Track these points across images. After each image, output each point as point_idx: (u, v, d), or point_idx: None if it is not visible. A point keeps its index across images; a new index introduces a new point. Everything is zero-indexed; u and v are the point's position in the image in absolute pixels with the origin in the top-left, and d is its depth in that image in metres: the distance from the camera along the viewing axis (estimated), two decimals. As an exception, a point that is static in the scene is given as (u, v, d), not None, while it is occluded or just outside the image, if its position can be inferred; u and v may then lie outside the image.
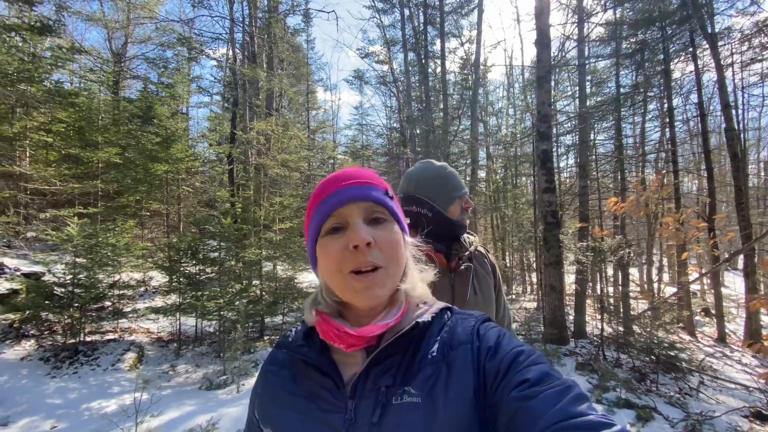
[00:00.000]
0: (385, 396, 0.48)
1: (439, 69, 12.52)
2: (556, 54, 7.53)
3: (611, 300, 8.18)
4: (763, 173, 15.45)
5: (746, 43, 8.59)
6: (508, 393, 0.43)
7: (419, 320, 0.53)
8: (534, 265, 11.69)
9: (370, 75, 17.67)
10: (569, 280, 8.59)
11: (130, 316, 5.78)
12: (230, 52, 11.16)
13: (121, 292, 5.86)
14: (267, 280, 7.07)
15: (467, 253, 1.15)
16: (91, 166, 8.20)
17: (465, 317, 0.56)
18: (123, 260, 6.04)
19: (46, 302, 4.72)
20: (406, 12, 11.84)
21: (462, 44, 12.76)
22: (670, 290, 11.22)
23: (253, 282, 6.94)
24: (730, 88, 9.23)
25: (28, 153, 8.01)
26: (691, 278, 7.28)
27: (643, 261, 13.00)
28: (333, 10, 12.87)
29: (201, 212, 9.72)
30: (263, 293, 7.06)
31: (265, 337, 6.40)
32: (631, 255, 7.00)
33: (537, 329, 7.17)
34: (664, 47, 8.06)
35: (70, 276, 4.88)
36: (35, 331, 5.05)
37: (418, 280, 0.58)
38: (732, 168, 7.35)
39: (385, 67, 14.73)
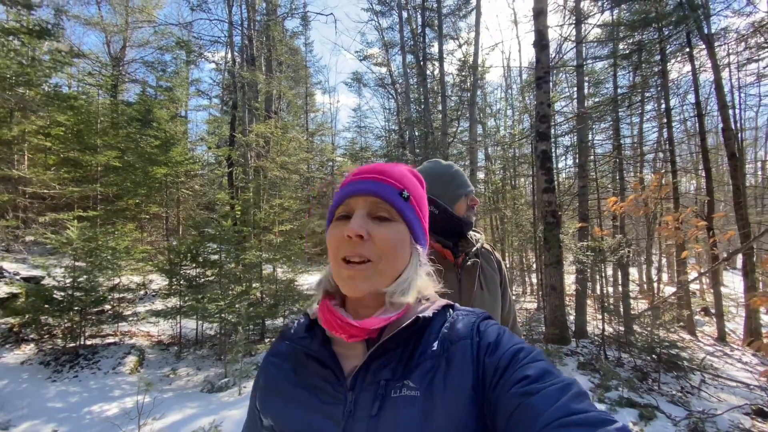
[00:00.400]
0: (384, 389, 0.48)
1: (437, 71, 12.57)
2: (554, 55, 7.57)
3: (611, 300, 8.19)
4: (760, 172, 15.54)
5: (743, 43, 8.66)
6: (508, 389, 0.44)
7: (420, 316, 0.53)
8: (534, 265, 11.71)
9: (368, 77, 17.73)
10: (569, 280, 8.61)
11: (131, 319, 5.76)
12: (229, 55, 11.22)
13: (121, 295, 5.84)
14: (267, 283, 7.06)
15: (474, 249, 1.16)
16: (90, 170, 8.19)
17: (466, 314, 0.56)
18: (123, 264, 6.03)
19: (46, 306, 4.70)
20: (404, 14, 11.89)
21: (460, 46, 12.82)
22: (669, 290, 11.25)
23: (254, 284, 6.93)
24: (727, 88, 9.31)
25: (26, 156, 8.02)
26: (690, 277, 7.31)
27: (643, 261, 13.03)
28: (331, 13, 12.93)
29: (200, 215, 9.70)
30: (263, 296, 7.05)
31: (266, 340, 6.38)
32: (631, 254, 7.02)
33: (538, 329, 7.16)
34: (661, 48, 8.12)
35: (70, 279, 4.87)
36: (35, 335, 5.03)
37: (414, 285, 0.55)
38: (730, 167, 7.39)
39: (384, 70, 14.79)
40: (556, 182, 7.12)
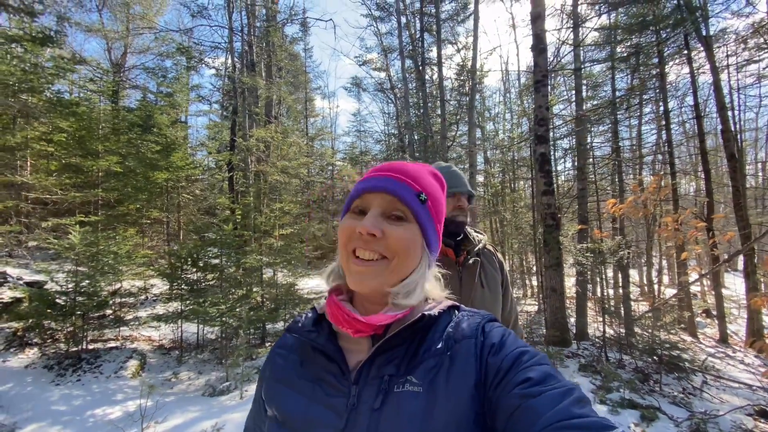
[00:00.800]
0: (387, 384, 0.49)
1: (436, 75, 12.65)
2: (552, 59, 7.62)
3: (612, 301, 8.19)
4: (760, 174, 15.54)
5: (742, 44, 8.70)
6: (509, 390, 0.44)
7: (426, 312, 0.54)
8: (534, 268, 11.70)
9: (367, 82, 17.85)
10: (570, 282, 8.61)
11: (132, 323, 5.77)
12: (229, 61, 11.29)
13: (123, 299, 5.86)
14: (268, 287, 7.07)
15: (476, 249, 1.20)
16: (92, 175, 8.23)
17: (471, 315, 0.57)
18: (124, 268, 6.05)
19: (49, 310, 4.72)
20: (403, 20, 11.99)
21: (458, 51, 12.92)
22: (670, 291, 11.23)
23: (254, 288, 6.94)
24: (726, 90, 9.34)
25: (29, 162, 8.06)
26: (691, 279, 7.31)
27: (643, 263, 13.03)
28: (330, 19, 13.09)
29: (201, 219, 9.73)
30: (264, 300, 7.06)
31: (267, 344, 6.38)
32: (631, 256, 7.02)
33: (539, 332, 7.16)
34: (658, 50, 8.17)
35: (73, 284, 4.89)
36: (39, 340, 5.05)
37: (421, 287, 0.57)
38: (729, 169, 7.41)
39: (383, 74, 14.89)
40: (555, 185, 7.16)
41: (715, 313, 9.53)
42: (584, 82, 9.97)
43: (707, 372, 4.98)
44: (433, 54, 12.26)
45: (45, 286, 5.48)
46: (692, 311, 8.51)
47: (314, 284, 8.73)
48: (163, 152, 7.91)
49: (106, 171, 8.12)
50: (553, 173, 8.18)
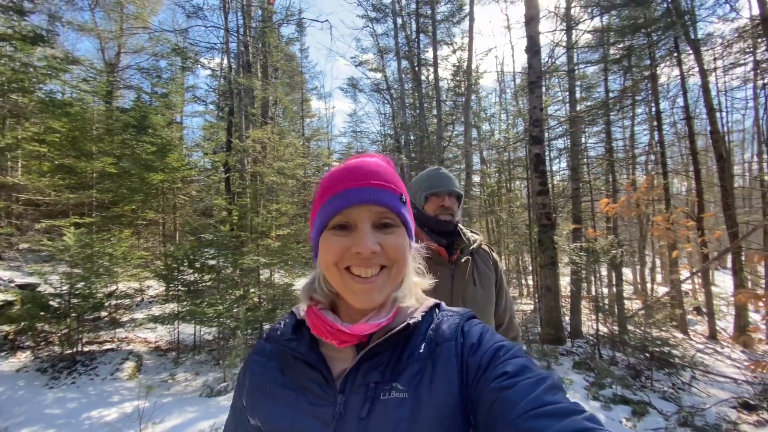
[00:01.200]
0: (374, 391, 0.49)
1: (432, 76, 12.73)
2: (546, 60, 7.72)
3: (606, 300, 8.30)
4: (747, 174, 15.83)
5: (728, 48, 8.88)
6: (487, 385, 0.45)
7: (410, 321, 0.53)
8: (530, 267, 11.81)
9: (364, 83, 17.88)
10: (564, 281, 8.71)
11: (128, 325, 5.74)
12: (225, 62, 11.26)
13: (119, 301, 5.82)
14: (265, 287, 7.08)
15: (470, 248, 1.23)
16: (86, 176, 8.15)
17: (450, 315, 0.57)
18: (120, 270, 6.01)
19: (42, 313, 4.67)
20: (399, 21, 12.04)
21: (454, 51, 12.99)
22: (662, 290, 11.40)
23: (251, 289, 6.94)
24: (714, 92, 9.51)
25: (21, 163, 7.98)
26: (682, 277, 7.43)
27: (636, 261, 13.20)
28: (326, 20, 13.05)
29: (197, 221, 9.70)
30: (261, 300, 7.06)
31: (264, 344, 6.38)
32: (624, 255, 7.13)
33: (534, 330, 7.24)
34: (650, 53, 8.30)
35: (67, 286, 4.86)
36: (31, 343, 4.99)
37: (413, 285, 0.58)
38: (718, 169, 7.56)
39: (379, 75, 14.91)
40: (550, 185, 7.25)
41: (705, 310, 9.69)
42: (578, 83, 10.09)
43: (696, 367, 5.09)
44: (429, 55, 12.37)
45: (38, 289, 5.43)
46: (683, 309, 8.65)
47: (310, 285, 8.72)
48: (159, 153, 7.87)
49: (100, 172, 8.04)
50: (548, 173, 8.27)
